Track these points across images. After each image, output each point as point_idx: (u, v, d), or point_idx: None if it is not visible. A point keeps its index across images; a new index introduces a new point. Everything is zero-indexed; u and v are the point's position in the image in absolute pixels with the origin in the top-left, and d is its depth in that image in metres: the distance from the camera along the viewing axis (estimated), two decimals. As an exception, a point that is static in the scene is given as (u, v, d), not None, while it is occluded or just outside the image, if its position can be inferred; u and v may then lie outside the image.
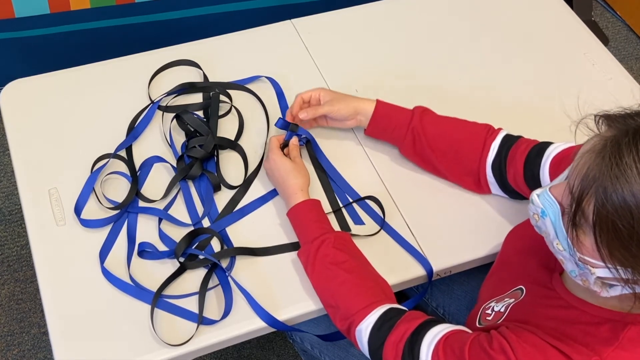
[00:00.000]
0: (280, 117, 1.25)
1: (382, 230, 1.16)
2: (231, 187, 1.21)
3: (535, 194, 0.86)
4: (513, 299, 0.98)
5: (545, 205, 0.84)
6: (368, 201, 1.20)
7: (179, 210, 1.17)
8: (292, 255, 1.13)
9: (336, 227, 1.16)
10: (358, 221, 1.18)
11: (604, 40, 2.46)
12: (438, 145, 1.16)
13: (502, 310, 0.98)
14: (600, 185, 0.75)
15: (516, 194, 1.15)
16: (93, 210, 1.16)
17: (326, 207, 1.18)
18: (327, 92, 1.22)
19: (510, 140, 1.13)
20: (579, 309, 0.88)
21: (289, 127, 1.21)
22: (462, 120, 1.18)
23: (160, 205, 1.17)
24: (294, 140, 1.21)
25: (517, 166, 1.09)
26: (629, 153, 0.74)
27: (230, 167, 1.24)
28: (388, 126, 1.19)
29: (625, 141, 0.74)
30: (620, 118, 0.77)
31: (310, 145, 1.24)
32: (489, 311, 1.00)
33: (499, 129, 1.16)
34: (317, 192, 1.20)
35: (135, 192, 1.17)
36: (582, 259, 0.81)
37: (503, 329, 0.89)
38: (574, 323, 0.87)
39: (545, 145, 1.09)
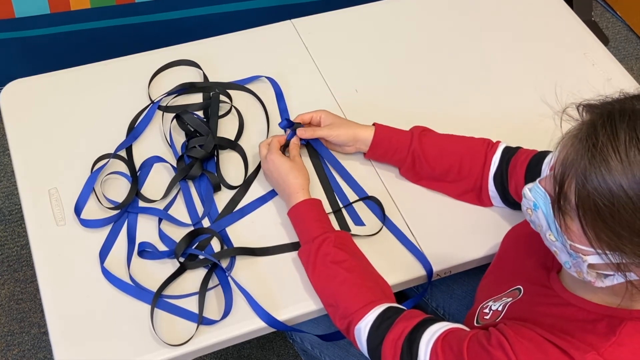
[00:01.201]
0: (285, 118, 1.24)
1: (382, 231, 1.16)
2: (231, 187, 1.21)
3: (527, 188, 0.88)
4: (510, 298, 0.98)
5: (536, 197, 0.85)
6: (368, 201, 1.20)
7: (179, 210, 1.17)
8: (292, 255, 1.13)
9: (336, 227, 1.16)
10: (358, 222, 1.18)
11: (604, 40, 2.46)
12: (439, 165, 1.16)
13: (499, 309, 0.98)
14: (578, 166, 0.76)
15: (518, 206, 1.15)
16: (93, 210, 1.16)
17: (326, 207, 1.18)
18: (328, 115, 1.22)
19: (509, 152, 1.13)
20: (577, 306, 0.88)
21: (292, 126, 1.21)
22: (461, 137, 1.19)
23: (160, 205, 1.17)
24: (295, 140, 1.21)
25: (518, 177, 1.10)
26: (604, 133, 0.75)
27: (230, 167, 1.24)
28: (388, 150, 1.19)
29: (600, 122, 0.76)
30: (600, 105, 0.79)
31: (311, 145, 1.24)
32: (486, 310, 1.01)
33: (498, 142, 1.16)
34: (318, 191, 1.20)
35: (135, 192, 1.17)
36: (573, 247, 0.81)
37: (501, 325, 0.89)
38: (571, 320, 0.87)
39: (544, 153, 1.09)
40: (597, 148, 0.75)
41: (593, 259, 0.80)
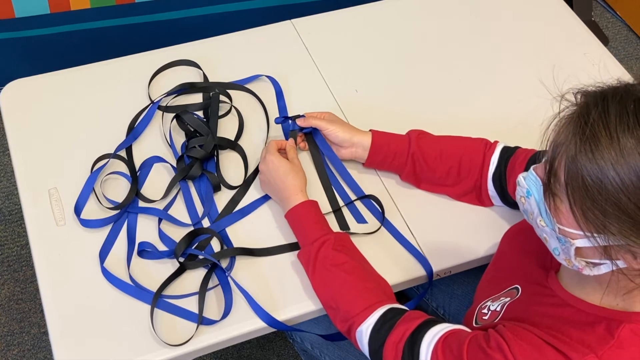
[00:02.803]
0: (283, 116, 1.25)
1: (382, 231, 1.16)
2: (231, 187, 1.21)
3: (521, 176, 0.89)
4: (509, 298, 0.98)
5: (530, 184, 0.86)
6: (368, 201, 1.20)
7: (179, 210, 1.17)
8: (292, 255, 1.13)
9: (336, 225, 1.16)
10: (360, 219, 1.18)
11: (604, 40, 2.46)
12: (439, 168, 1.16)
13: (497, 309, 0.98)
14: (569, 144, 0.77)
15: (517, 206, 1.15)
16: (93, 210, 1.16)
17: (326, 205, 1.18)
18: (332, 115, 1.23)
19: (508, 152, 1.14)
20: (575, 307, 0.88)
21: (288, 121, 1.22)
22: (458, 138, 1.19)
23: (160, 206, 1.17)
24: (291, 142, 1.21)
25: (516, 178, 1.10)
26: (596, 111, 0.77)
27: (230, 167, 1.24)
28: (387, 157, 1.18)
29: (593, 102, 0.78)
30: (596, 89, 0.81)
31: (311, 143, 1.24)
32: (485, 310, 1.01)
33: (496, 142, 1.16)
34: (317, 190, 1.20)
35: (135, 192, 1.17)
36: (562, 231, 0.82)
37: (500, 327, 0.89)
38: (569, 321, 0.87)
39: (543, 153, 1.09)
40: (588, 125, 0.76)
41: (581, 242, 0.80)
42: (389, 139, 1.18)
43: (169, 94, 1.32)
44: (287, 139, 1.23)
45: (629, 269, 0.80)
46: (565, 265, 0.86)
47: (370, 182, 1.22)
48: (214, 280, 1.09)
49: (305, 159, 1.24)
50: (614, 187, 0.75)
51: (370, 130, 1.19)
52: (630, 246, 0.77)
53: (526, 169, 1.09)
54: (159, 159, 1.23)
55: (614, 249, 0.78)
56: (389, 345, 0.95)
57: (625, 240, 0.76)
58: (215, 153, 1.24)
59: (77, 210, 1.15)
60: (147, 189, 1.20)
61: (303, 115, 1.22)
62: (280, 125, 1.28)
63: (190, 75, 1.36)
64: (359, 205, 1.20)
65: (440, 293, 1.32)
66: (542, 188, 0.84)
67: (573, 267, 0.84)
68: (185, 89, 1.33)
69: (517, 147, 1.15)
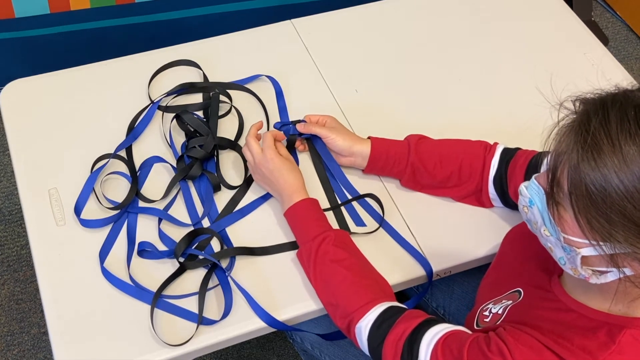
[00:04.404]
0: (282, 123, 1.24)
1: (382, 231, 1.16)
2: (231, 187, 1.21)
3: (523, 186, 0.88)
4: (511, 301, 0.98)
5: (532, 193, 0.86)
6: (367, 199, 1.20)
7: (179, 210, 1.17)
8: (292, 254, 1.13)
9: (336, 226, 1.16)
10: (359, 222, 1.18)
11: (604, 40, 2.46)
12: (440, 173, 1.16)
13: (499, 312, 0.98)
14: (571, 152, 0.77)
15: (517, 207, 1.15)
16: (93, 210, 1.16)
17: (325, 205, 1.18)
18: (333, 121, 1.22)
19: (508, 154, 1.13)
20: (577, 312, 0.88)
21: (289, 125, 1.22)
22: (458, 141, 1.18)
23: (160, 206, 1.17)
24: (279, 137, 1.20)
25: (517, 180, 1.10)
26: (597, 119, 0.76)
27: (230, 167, 1.24)
28: (386, 164, 1.18)
29: (593, 110, 0.77)
30: (594, 97, 0.81)
31: (311, 148, 1.24)
32: (486, 313, 1.00)
33: (495, 144, 1.16)
34: (316, 190, 1.20)
35: (135, 192, 1.17)
36: (567, 240, 0.81)
37: (501, 330, 0.89)
38: (571, 326, 0.87)
39: (544, 155, 1.09)
40: (590, 133, 0.76)
41: (586, 251, 0.80)
42: (387, 147, 1.18)
43: (169, 94, 1.32)
44: (291, 132, 1.22)
45: (635, 276, 0.80)
46: (572, 275, 0.85)
47: (371, 182, 1.22)
48: (214, 280, 1.09)
49: (306, 160, 1.24)
50: (618, 195, 0.74)
51: (369, 138, 1.19)
52: (637, 253, 0.76)
53: (527, 172, 1.09)
54: (159, 159, 1.23)
55: (621, 257, 0.78)
56: (389, 343, 0.95)
57: (632, 248, 0.76)
58: (215, 153, 1.24)
59: (77, 210, 1.15)
60: (147, 189, 1.20)
61: (304, 120, 1.22)
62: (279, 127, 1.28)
63: (190, 75, 1.36)
64: (358, 208, 1.19)
65: (440, 293, 1.32)
66: (545, 197, 0.83)
67: (580, 276, 0.83)
68: (185, 89, 1.33)
69: (517, 149, 1.14)
